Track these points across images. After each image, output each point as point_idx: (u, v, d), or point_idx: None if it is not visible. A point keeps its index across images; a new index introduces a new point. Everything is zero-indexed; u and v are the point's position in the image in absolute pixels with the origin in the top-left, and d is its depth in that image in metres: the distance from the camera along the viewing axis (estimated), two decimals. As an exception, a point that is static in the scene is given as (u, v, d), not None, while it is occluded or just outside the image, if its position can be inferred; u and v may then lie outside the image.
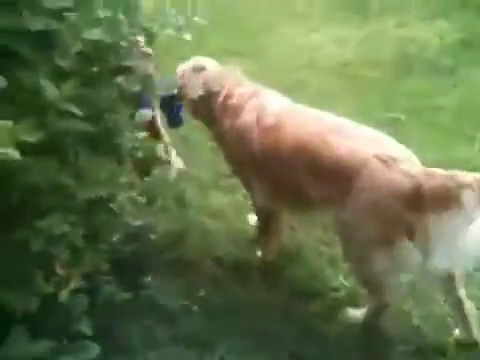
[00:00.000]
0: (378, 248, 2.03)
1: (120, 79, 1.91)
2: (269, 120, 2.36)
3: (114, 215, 1.84)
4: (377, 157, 2.02)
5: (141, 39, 2.80)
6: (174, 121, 2.86)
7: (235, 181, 2.85)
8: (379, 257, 2.05)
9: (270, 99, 2.48)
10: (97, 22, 1.62)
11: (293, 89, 4.05)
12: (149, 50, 2.98)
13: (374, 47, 4.89)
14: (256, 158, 2.40)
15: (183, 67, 2.69)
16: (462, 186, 1.83)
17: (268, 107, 2.42)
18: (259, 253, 2.70)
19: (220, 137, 2.61)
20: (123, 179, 1.82)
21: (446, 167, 2.00)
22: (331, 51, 4.90)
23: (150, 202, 2.33)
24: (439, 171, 1.95)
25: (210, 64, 2.67)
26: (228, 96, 2.51)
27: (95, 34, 1.57)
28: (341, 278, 2.56)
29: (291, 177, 2.29)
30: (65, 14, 1.50)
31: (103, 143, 2.01)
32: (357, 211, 2.07)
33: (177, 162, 3.32)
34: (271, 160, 2.35)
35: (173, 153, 3.31)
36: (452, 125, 3.64)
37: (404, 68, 4.46)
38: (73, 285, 1.55)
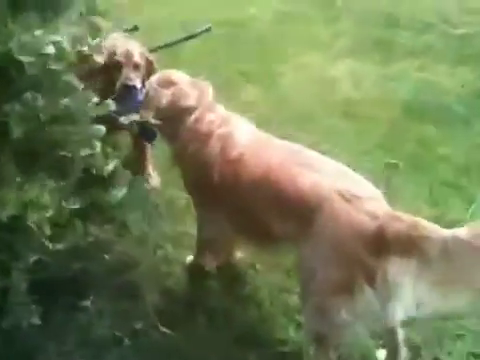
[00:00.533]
0: (337, 292, 1.87)
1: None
2: (233, 152, 2.25)
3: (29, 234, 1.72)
4: (340, 193, 1.91)
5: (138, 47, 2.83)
6: (147, 134, 2.68)
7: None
8: (337, 302, 1.87)
9: (238, 129, 2.35)
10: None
11: (298, 121, 3.96)
12: (150, 57, 2.96)
13: (390, 87, 4.69)
14: (217, 190, 2.28)
15: (152, 79, 2.57)
16: (425, 235, 1.73)
17: (235, 138, 2.30)
18: (189, 258, 2.64)
19: (181, 158, 2.48)
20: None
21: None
22: (345, 86, 4.72)
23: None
24: (405, 216, 1.83)
25: (181, 79, 2.54)
26: (198, 120, 2.39)
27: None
28: (291, 330, 2.36)
29: (253, 211, 2.17)
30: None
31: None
32: (317, 249, 1.94)
33: (154, 179, 3.22)
34: (232, 192, 2.22)
35: (150, 168, 3.23)
36: (452, 179, 3.40)
37: (416, 112, 4.22)
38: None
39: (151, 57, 2.87)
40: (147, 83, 2.60)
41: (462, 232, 1.71)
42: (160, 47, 4.62)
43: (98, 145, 2.21)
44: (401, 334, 2.09)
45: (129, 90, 2.67)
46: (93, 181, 2.13)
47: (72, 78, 1.57)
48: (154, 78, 2.57)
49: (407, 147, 3.78)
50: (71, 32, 1.36)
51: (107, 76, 2.68)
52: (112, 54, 2.69)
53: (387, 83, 4.76)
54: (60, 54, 1.16)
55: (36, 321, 1.89)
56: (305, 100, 4.42)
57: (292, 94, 4.49)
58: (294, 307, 2.41)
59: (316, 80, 4.79)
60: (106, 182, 2.12)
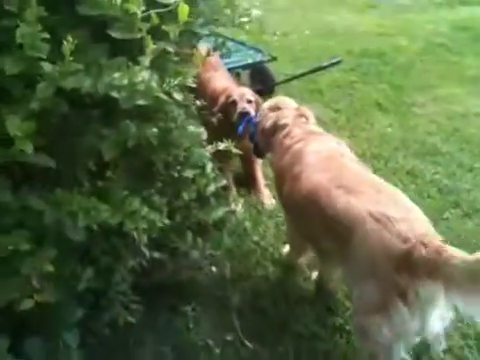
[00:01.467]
0: (374, 310, 1.95)
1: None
2: (296, 168, 2.43)
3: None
4: (372, 215, 1.98)
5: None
6: (258, 150, 3.05)
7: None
8: (375, 321, 1.95)
9: (311, 146, 2.50)
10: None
11: (425, 153, 3.86)
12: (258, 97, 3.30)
13: None
14: (286, 199, 2.57)
15: (265, 104, 2.97)
16: (448, 260, 1.77)
17: (302, 155, 2.47)
18: (285, 248, 2.98)
19: (272, 166, 2.87)
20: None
21: None
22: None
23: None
24: (433, 240, 1.87)
25: (287, 104, 2.88)
26: (286, 135, 2.64)
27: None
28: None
29: (307, 224, 2.39)
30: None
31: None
32: (355, 269, 2.07)
33: (266, 198, 3.49)
34: (292, 204, 2.49)
35: (262, 186, 3.55)
36: None
37: None
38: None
39: (258, 97, 3.42)
40: (261, 108, 3.00)
41: None
42: (289, 79, 4.86)
43: (209, 166, 2.53)
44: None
45: (244, 116, 3.18)
46: (196, 199, 2.40)
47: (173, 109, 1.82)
48: (266, 104, 2.96)
49: None
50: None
51: (225, 115, 3.20)
52: (229, 96, 3.34)
53: None
54: (148, 90, 1.39)
55: (131, 320, 2.13)
56: (437, 133, 4.26)
57: (425, 126, 4.36)
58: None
59: (455, 114, 4.59)
60: (206, 201, 2.35)
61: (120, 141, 1.55)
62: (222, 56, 5.01)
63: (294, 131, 2.63)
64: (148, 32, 1.34)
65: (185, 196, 2.41)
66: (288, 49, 6.50)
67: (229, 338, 2.51)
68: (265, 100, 4.45)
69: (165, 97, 1.48)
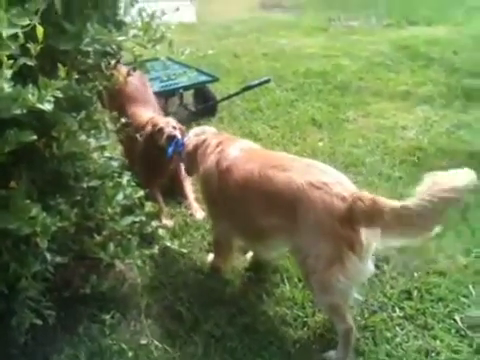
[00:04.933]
0: (330, 264, 2.25)
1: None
2: (224, 163, 2.70)
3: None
4: (311, 184, 2.28)
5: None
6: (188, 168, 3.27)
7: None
8: (334, 273, 2.25)
9: (231, 146, 2.79)
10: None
11: (351, 165, 4.07)
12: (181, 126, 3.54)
13: (459, 137, 4.59)
14: (217, 196, 2.77)
15: (191, 131, 3.22)
16: (381, 209, 2.10)
17: (227, 153, 2.75)
18: (210, 256, 3.13)
19: (198, 178, 3.02)
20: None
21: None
22: (412, 134, 4.72)
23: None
24: (366, 195, 2.20)
25: (209, 130, 3.18)
26: (207, 145, 2.91)
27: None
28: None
29: (245, 212, 2.61)
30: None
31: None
32: (305, 235, 2.33)
33: (196, 210, 3.66)
34: (227, 198, 2.69)
35: (192, 199, 3.75)
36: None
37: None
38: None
39: (181, 126, 3.71)
40: (187, 135, 3.25)
41: (410, 203, 2.04)
42: (224, 99, 5.10)
43: (125, 178, 2.71)
44: None
45: (172, 139, 3.46)
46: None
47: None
48: (192, 131, 3.21)
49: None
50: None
51: (152, 141, 3.58)
52: (155, 124, 3.62)
53: (458, 132, 4.66)
54: (23, 101, 1.57)
55: (38, 321, 2.25)
56: (367, 146, 4.50)
57: (353, 139, 4.59)
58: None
59: (382, 127, 4.85)
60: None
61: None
62: (167, 79, 5.29)
63: (213, 140, 2.91)
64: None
65: (98, 206, 2.58)
66: (238, 70, 6.76)
67: (143, 342, 2.63)
68: (208, 117, 4.76)
69: (44, 107, 1.65)
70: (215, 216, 2.97)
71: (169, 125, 3.59)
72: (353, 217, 2.18)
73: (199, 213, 3.63)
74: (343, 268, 2.23)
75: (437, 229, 2.10)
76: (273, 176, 2.42)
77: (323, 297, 2.39)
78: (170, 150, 3.43)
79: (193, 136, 3.10)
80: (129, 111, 3.82)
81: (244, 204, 2.59)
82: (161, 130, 3.56)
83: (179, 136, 3.47)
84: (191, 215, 3.64)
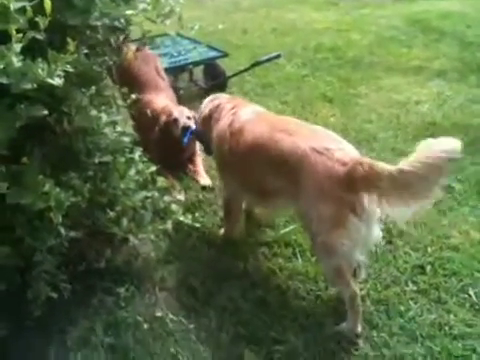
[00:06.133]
0: (333, 227, 2.31)
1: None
2: (236, 125, 2.80)
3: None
4: (314, 149, 2.35)
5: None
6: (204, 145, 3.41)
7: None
8: (337, 236, 2.30)
9: (244, 109, 2.90)
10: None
11: (366, 142, 4.04)
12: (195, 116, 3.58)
13: (473, 111, 4.52)
14: (228, 156, 2.85)
15: (205, 100, 3.26)
16: (378, 173, 2.18)
17: (240, 114, 2.86)
18: (222, 231, 3.15)
19: (213, 143, 3.03)
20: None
21: None
22: (425, 109, 4.66)
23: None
24: (365, 160, 2.28)
25: (222, 96, 3.26)
26: (221, 109, 3.01)
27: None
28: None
29: (253, 173, 2.70)
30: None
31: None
32: (308, 198, 2.40)
33: (204, 179, 3.73)
34: (237, 158, 2.77)
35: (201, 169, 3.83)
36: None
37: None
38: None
39: (194, 113, 3.66)
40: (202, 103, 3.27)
41: (406, 164, 2.11)
42: (234, 75, 5.06)
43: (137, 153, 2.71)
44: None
45: (187, 129, 3.55)
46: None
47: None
48: (207, 99, 3.25)
49: (469, 171, 3.65)
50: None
51: (168, 130, 3.66)
52: (170, 114, 3.68)
53: (472, 106, 4.59)
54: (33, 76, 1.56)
55: (53, 295, 2.28)
56: (379, 122, 4.45)
57: (365, 115, 4.55)
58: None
59: (397, 102, 4.79)
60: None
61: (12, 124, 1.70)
62: (177, 55, 5.26)
63: (227, 104, 2.99)
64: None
65: (111, 181, 2.58)
66: (248, 46, 6.68)
67: (158, 314, 2.66)
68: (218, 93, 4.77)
69: (53, 82, 1.64)
70: (225, 176, 3.05)
71: (183, 115, 3.64)
72: (353, 181, 2.24)
73: (204, 179, 3.71)
74: (345, 230, 2.29)
75: (436, 196, 2.18)
76: (280, 140, 2.51)
77: (327, 260, 2.44)
78: (186, 139, 3.55)
79: (208, 102, 3.16)
80: (142, 99, 3.81)
81: (252, 165, 2.67)
82: (176, 120, 3.62)
83: (193, 126, 3.53)
84: (197, 182, 3.70)
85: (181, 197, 3.57)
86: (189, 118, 3.62)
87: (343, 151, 2.37)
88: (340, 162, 2.30)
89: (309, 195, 2.39)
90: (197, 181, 3.71)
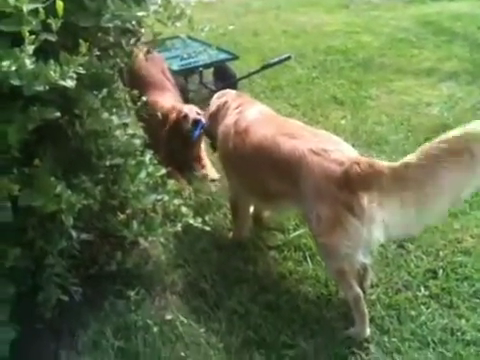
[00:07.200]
0: (333, 228, 2.29)
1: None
2: (242, 124, 2.81)
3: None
4: (312, 151, 2.38)
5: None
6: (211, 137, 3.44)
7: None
8: (337, 238, 2.30)
9: (250, 108, 2.92)
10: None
11: (374, 143, 4.01)
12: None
13: (484, 112, 4.49)
14: (232, 154, 2.87)
15: (214, 96, 3.32)
16: (378, 172, 2.16)
17: (246, 114, 2.88)
18: (231, 235, 3.16)
19: (218, 139, 3.05)
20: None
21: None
22: (436, 111, 4.62)
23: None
24: (363, 159, 2.28)
25: (230, 92, 3.27)
26: (228, 107, 3.05)
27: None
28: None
29: (256, 174, 2.73)
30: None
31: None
32: (307, 199, 2.43)
33: (210, 171, 3.82)
34: (241, 158, 2.80)
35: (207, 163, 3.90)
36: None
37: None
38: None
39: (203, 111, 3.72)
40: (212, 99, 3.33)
41: (411, 158, 2.09)
42: (244, 77, 5.06)
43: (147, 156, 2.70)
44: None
45: (198, 123, 3.63)
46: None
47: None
48: (215, 95, 3.33)
49: None
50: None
51: (177, 127, 3.72)
52: (180, 111, 3.75)
53: (483, 108, 4.55)
54: (45, 78, 1.56)
55: (64, 298, 2.28)
56: (389, 124, 4.43)
57: (375, 117, 4.52)
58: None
59: (408, 104, 4.76)
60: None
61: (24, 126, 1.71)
62: (188, 57, 5.26)
63: (233, 102, 3.03)
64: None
65: (121, 184, 2.58)
66: (258, 48, 6.67)
67: (168, 317, 2.65)
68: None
69: (66, 84, 1.64)
70: (230, 176, 3.06)
71: (193, 111, 3.73)
72: (350, 181, 2.23)
73: (212, 173, 3.78)
74: (344, 231, 2.27)
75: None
76: (281, 143, 2.53)
77: (330, 262, 2.46)
78: (196, 133, 3.61)
79: (216, 98, 3.22)
80: (148, 100, 3.83)
81: (256, 167, 2.70)
82: (186, 116, 3.69)
83: (203, 120, 3.57)
84: (206, 176, 3.76)
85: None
86: (199, 114, 3.69)
87: (341, 152, 2.37)
88: (337, 162, 2.30)
89: (308, 196, 2.40)
90: (205, 176, 3.79)
